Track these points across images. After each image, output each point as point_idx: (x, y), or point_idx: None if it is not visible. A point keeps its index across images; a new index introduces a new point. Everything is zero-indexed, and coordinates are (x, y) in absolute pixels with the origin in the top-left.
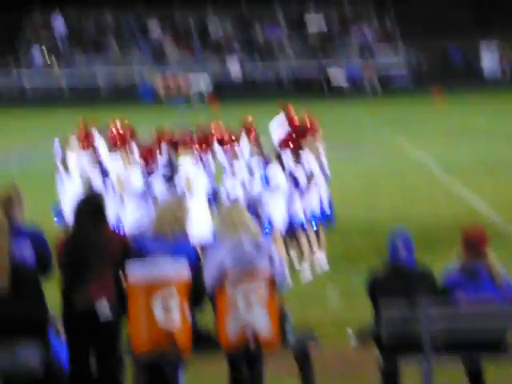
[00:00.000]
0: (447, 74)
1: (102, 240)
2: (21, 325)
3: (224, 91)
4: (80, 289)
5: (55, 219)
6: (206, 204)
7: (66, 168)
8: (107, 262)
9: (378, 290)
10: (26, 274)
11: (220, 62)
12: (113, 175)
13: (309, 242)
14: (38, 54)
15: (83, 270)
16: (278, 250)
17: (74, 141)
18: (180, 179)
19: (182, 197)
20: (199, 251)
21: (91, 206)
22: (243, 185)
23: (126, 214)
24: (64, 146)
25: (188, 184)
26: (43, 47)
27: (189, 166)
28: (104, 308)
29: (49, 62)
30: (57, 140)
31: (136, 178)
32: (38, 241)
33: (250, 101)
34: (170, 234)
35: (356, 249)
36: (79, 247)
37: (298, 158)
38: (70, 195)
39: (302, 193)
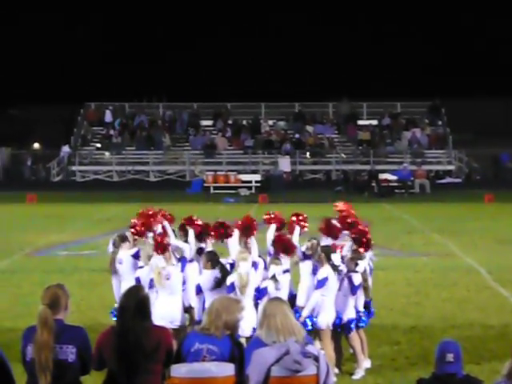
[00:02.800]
0: (499, 180)
1: (148, 341)
2: None
3: (273, 187)
4: None
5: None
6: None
7: (114, 267)
8: (153, 363)
9: None
10: (67, 372)
11: (271, 159)
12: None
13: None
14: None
15: (131, 376)
16: (325, 351)
17: (130, 237)
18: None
19: (238, 298)
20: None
21: (136, 302)
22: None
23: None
24: (118, 244)
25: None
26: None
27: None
28: None
29: (102, 156)
30: (112, 239)
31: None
32: (80, 339)
33: (299, 197)
34: (220, 335)
35: (404, 358)
36: (126, 351)
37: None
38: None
39: (354, 293)
